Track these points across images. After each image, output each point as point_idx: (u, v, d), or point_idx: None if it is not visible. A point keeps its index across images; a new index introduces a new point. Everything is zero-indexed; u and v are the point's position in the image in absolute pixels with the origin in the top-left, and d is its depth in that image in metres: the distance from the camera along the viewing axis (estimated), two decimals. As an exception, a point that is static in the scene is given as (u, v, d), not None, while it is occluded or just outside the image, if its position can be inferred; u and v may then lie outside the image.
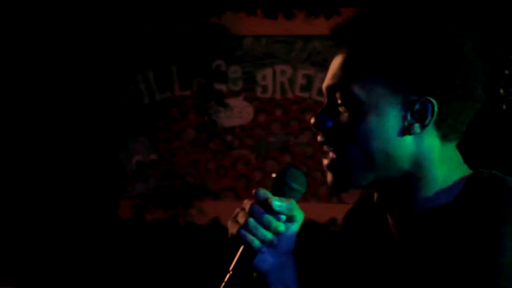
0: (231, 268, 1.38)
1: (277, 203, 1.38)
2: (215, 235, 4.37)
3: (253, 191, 1.40)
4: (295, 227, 1.42)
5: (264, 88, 4.43)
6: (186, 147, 4.47)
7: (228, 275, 1.37)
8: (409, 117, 1.35)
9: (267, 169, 4.40)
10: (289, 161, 4.38)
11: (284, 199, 1.39)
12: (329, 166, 1.40)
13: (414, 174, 1.37)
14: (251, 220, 1.37)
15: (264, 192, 1.39)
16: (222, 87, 4.44)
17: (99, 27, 4.39)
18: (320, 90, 4.37)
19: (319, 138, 1.42)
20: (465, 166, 1.41)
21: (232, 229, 1.40)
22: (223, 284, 1.36)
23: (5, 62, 4.37)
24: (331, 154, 1.40)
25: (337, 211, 4.10)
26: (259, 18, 4.39)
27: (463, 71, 1.35)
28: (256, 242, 1.37)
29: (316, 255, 1.48)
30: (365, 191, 1.51)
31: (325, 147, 1.40)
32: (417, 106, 1.34)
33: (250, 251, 1.38)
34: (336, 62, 1.41)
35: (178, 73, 4.47)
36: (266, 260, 1.42)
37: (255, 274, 1.43)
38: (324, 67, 4.36)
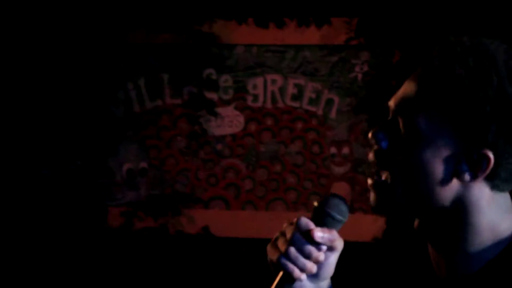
0: None
1: (319, 234, 1.38)
2: (204, 243, 4.37)
3: (295, 219, 1.40)
4: (335, 255, 1.43)
5: (255, 97, 4.43)
6: (177, 155, 4.46)
7: None
8: (463, 164, 1.34)
9: (257, 178, 4.40)
10: (279, 170, 4.38)
11: (326, 229, 1.39)
12: (374, 185, 1.41)
13: (457, 216, 1.36)
14: (292, 249, 1.38)
15: (306, 222, 1.39)
16: (213, 95, 4.44)
17: (90, 34, 4.39)
18: (311, 99, 4.38)
19: (370, 156, 1.42)
20: None
21: (272, 255, 1.40)
22: None
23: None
24: (377, 176, 1.40)
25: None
26: (250, 27, 4.39)
27: None
28: (296, 271, 1.37)
29: (352, 279, 1.47)
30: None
31: (374, 168, 1.41)
32: (474, 156, 1.34)
33: (289, 278, 1.39)
34: (410, 86, 1.40)
35: (169, 81, 4.47)
36: (304, 286, 1.42)
37: None
38: (315, 76, 4.37)
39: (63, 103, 4.40)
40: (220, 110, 4.44)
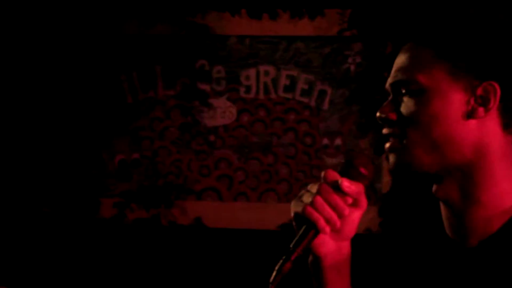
0: (291, 245, 1.37)
1: (347, 183, 1.39)
2: (197, 234, 4.37)
3: (323, 172, 1.41)
4: (358, 212, 1.43)
5: (248, 88, 4.43)
6: (169, 146, 4.46)
7: (289, 252, 1.36)
8: (473, 102, 1.37)
9: (249, 169, 4.41)
10: (271, 161, 4.38)
11: (353, 181, 1.40)
12: (390, 147, 1.43)
13: (476, 162, 1.38)
14: (319, 198, 1.38)
15: (333, 173, 1.40)
16: (205, 87, 4.44)
17: (82, 25, 4.38)
18: (303, 90, 4.38)
19: (384, 130, 1.45)
20: None
21: (297, 207, 1.40)
22: (282, 259, 1.35)
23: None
24: (394, 139, 1.43)
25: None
26: (243, 18, 4.39)
27: None
28: (322, 221, 1.37)
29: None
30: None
31: (391, 139, 1.43)
32: (480, 91, 1.37)
33: (313, 231, 1.38)
34: (399, 58, 1.44)
35: (162, 72, 4.46)
36: (326, 243, 1.42)
37: (311, 257, 1.42)
38: (308, 68, 4.37)
39: (54, 94, 4.39)
40: (212, 101, 4.43)
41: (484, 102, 1.36)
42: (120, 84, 4.48)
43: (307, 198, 1.39)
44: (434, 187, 1.43)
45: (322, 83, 4.36)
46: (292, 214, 1.40)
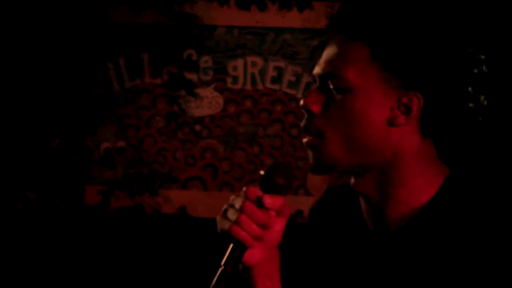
0: (222, 263, 1.39)
1: (269, 200, 1.40)
2: (181, 224, 4.38)
3: (244, 188, 1.42)
4: (282, 221, 1.44)
5: (235, 79, 4.44)
6: (155, 135, 4.46)
7: (220, 270, 1.38)
8: (396, 109, 1.38)
9: (235, 159, 4.42)
10: (257, 152, 4.39)
11: (274, 195, 1.41)
12: (309, 143, 1.44)
13: (393, 164, 1.41)
14: (244, 216, 1.39)
15: (255, 190, 1.41)
16: (192, 76, 4.44)
17: (71, 12, 4.36)
18: (290, 82, 4.39)
19: (302, 123, 1.45)
20: (441, 163, 1.45)
21: (223, 225, 1.41)
22: (216, 278, 1.37)
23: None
24: (312, 135, 1.43)
25: (304, 203, 4.12)
26: (232, 8, 4.39)
27: (455, 70, 1.40)
28: (249, 238, 1.39)
29: (287, 248, 1.49)
30: (332, 182, 1.54)
31: (309, 134, 1.44)
32: (404, 100, 1.38)
33: (241, 246, 1.40)
34: (331, 49, 1.43)
35: (149, 61, 4.46)
36: (255, 254, 1.43)
37: (241, 267, 1.44)
38: (295, 59, 4.38)
39: (42, 81, 4.38)
40: (199, 91, 4.44)
41: (407, 110, 1.37)
42: (107, 72, 4.47)
43: (232, 215, 1.40)
44: (352, 181, 1.46)
45: (309, 75, 4.37)
46: (218, 231, 1.43)
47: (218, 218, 1.43)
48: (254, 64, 4.42)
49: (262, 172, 1.43)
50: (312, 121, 1.43)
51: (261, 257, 1.44)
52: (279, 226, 1.43)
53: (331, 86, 1.41)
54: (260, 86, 4.42)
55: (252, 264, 1.44)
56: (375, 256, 1.45)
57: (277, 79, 4.41)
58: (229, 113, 4.43)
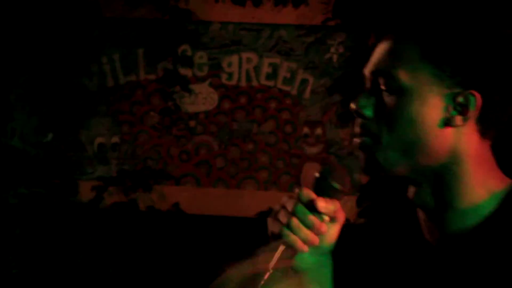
0: (271, 267, 1.35)
1: (322, 204, 1.36)
2: (175, 220, 4.36)
3: (296, 190, 1.38)
4: (336, 227, 1.41)
5: (230, 75, 4.42)
6: (149, 131, 4.45)
7: (268, 274, 1.34)
8: (451, 109, 1.34)
9: (229, 156, 4.40)
10: (251, 149, 4.38)
11: (328, 199, 1.37)
12: (362, 145, 1.40)
13: (451, 168, 1.36)
14: (295, 220, 1.35)
15: (308, 192, 1.37)
16: (187, 72, 4.42)
17: (65, 6, 4.35)
18: (285, 79, 4.37)
19: (356, 129, 1.40)
20: (501, 172, 1.40)
21: (274, 228, 1.38)
22: (262, 282, 1.34)
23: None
24: (366, 137, 1.39)
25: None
26: (227, 4, 4.38)
27: (511, 67, 1.34)
28: (299, 242, 1.35)
29: (341, 256, 1.45)
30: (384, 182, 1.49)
31: (363, 136, 1.39)
32: (460, 99, 1.33)
33: (291, 251, 1.37)
34: (382, 48, 1.40)
35: (144, 56, 4.44)
36: (306, 259, 1.40)
37: (291, 272, 1.40)
38: (291, 56, 4.37)
39: (36, 76, 4.37)
40: (194, 87, 4.42)
41: (463, 110, 1.33)
42: (101, 67, 4.45)
43: (283, 218, 1.36)
44: (409, 192, 1.42)
45: (304, 72, 4.36)
46: (269, 233, 1.39)
47: (269, 220, 1.39)
48: (249, 60, 4.40)
49: (317, 174, 1.39)
50: (366, 126, 1.39)
51: (312, 263, 1.40)
52: (332, 231, 1.40)
53: (383, 87, 1.37)
54: (254, 83, 4.41)
55: (301, 269, 1.40)
56: (435, 269, 1.38)
57: (272, 76, 4.39)
58: (224, 109, 4.42)
